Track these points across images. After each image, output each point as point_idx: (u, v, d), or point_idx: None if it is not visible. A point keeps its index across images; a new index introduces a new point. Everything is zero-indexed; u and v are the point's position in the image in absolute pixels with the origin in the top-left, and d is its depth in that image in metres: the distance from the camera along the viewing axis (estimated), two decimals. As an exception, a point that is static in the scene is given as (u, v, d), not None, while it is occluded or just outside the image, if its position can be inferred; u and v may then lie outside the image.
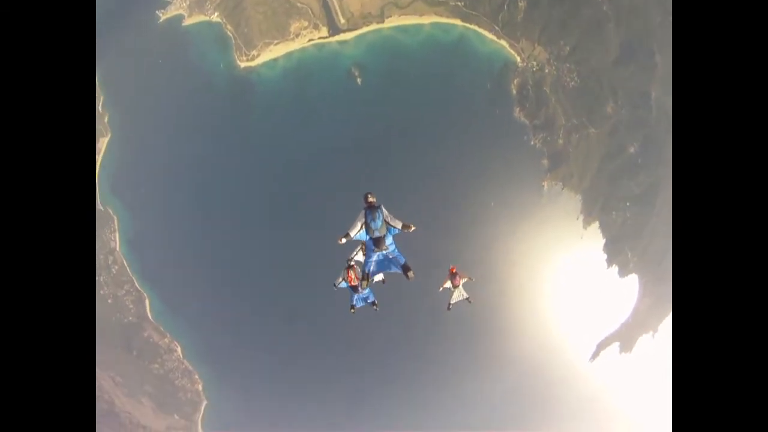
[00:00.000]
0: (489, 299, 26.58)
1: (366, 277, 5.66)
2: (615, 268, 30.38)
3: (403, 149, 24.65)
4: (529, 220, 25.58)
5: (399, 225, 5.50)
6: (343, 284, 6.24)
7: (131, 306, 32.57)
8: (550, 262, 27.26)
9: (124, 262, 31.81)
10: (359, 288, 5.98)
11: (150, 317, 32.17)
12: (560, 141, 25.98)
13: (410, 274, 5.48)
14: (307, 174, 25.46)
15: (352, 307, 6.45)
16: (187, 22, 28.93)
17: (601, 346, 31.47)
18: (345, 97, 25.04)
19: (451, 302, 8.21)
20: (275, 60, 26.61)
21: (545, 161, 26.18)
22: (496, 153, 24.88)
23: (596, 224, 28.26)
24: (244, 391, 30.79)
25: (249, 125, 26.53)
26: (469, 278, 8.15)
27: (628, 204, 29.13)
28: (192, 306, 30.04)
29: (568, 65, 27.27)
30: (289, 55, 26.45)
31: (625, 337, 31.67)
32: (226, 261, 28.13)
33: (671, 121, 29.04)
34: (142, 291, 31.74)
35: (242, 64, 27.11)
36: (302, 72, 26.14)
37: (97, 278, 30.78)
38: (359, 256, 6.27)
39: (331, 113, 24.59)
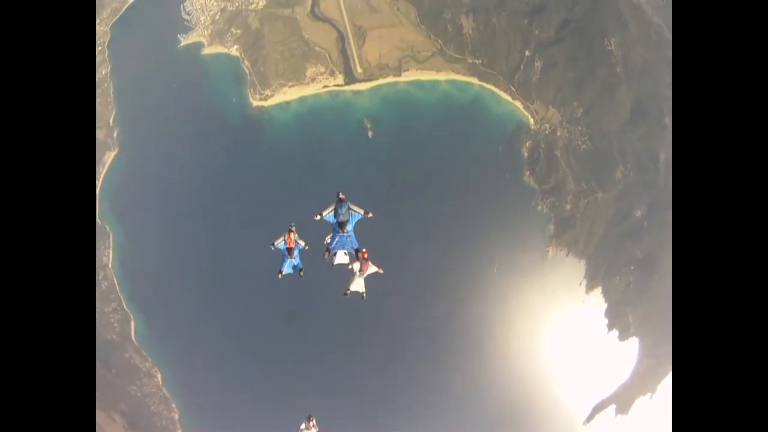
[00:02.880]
0: (486, 359, 26.24)
1: (327, 249, 7.38)
2: (615, 333, 29.97)
3: (408, 207, 24.28)
4: (532, 285, 25.09)
5: (361, 211, 7.30)
6: (281, 245, 7.56)
7: (116, 324, 31.66)
8: (550, 327, 26.55)
9: (114, 280, 31.11)
10: (293, 253, 7.51)
11: (134, 340, 31.31)
12: (568, 206, 25.78)
13: (359, 255, 7.26)
14: (308, 222, 24.69)
15: (280, 272, 7.74)
16: (206, 50, 29.17)
17: (597, 409, 30.76)
18: (354, 149, 24.89)
19: (350, 289, 8.08)
20: (288, 103, 26.58)
21: (551, 226, 25.91)
22: (503, 216, 24.60)
23: (599, 289, 28.05)
24: (223, 427, 29.71)
25: (255, 166, 26.31)
26: (379, 270, 7.89)
27: (632, 268, 28.86)
28: (178, 336, 29.18)
29: (580, 128, 27.32)
30: (302, 99, 26.46)
31: (622, 399, 30.93)
32: (218, 299, 27.45)
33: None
34: (129, 312, 30.97)
35: (255, 103, 27.05)
36: (314, 119, 26.07)
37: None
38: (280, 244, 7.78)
39: (338, 164, 24.33)
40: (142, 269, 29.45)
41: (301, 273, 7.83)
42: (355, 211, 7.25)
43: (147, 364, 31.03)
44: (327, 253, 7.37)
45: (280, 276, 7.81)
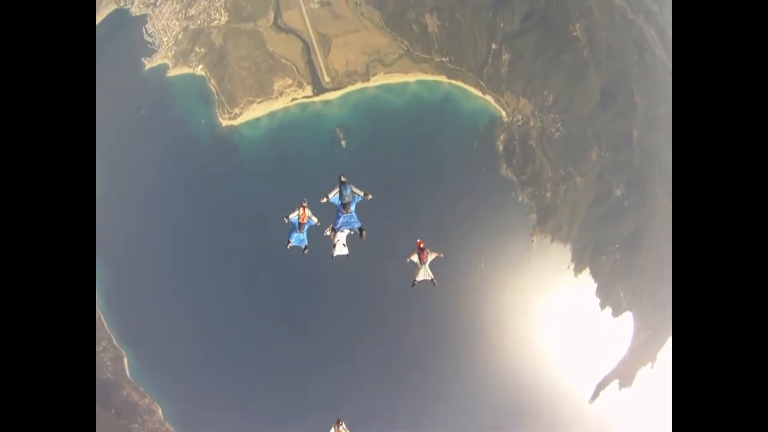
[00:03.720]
0: (482, 354, 26.29)
1: (333, 229, 8.04)
2: (608, 310, 30.55)
3: (388, 214, 23.37)
4: (520, 275, 25.20)
5: (361, 193, 7.92)
6: (295, 219, 8.16)
7: (109, 363, 30.77)
8: (544, 314, 26.75)
9: (102, 318, 30.22)
10: (303, 228, 8.09)
11: (129, 376, 30.48)
12: (548, 194, 25.98)
13: (364, 234, 7.83)
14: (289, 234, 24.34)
15: (288, 242, 8.31)
16: (172, 72, 28.49)
17: (601, 386, 31.33)
18: (329, 160, 24.44)
19: (417, 279, 8.26)
20: (258, 119, 26.09)
21: (534, 216, 26.04)
22: (485, 212, 24.56)
23: (587, 270, 28.45)
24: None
25: (231, 186, 25.75)
26: (439, 255, 8.16)
27: (617, 246, 29.46)
28: (173, 368, 28.49)
29: (552, 116, 27.61)
30: (272, 114, 25.98)
31: (624, 373, 31.57)
32: (207, 322, 26.86)
33: (653, 159, 29.89)
34: (120, 348, 30.11)
35: (224, 122, 26.53)
36: (285, 133, 25.61)
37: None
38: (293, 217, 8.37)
39: (314, 177, 23.47)
40: (128, 303, 28.69)
41: (305, 250, 8.34)
42: (356, 193, 7.88)
43: (146, 400, 30.27)
44: (332, 232, 8.01)
45: (288, 247, 8.35)
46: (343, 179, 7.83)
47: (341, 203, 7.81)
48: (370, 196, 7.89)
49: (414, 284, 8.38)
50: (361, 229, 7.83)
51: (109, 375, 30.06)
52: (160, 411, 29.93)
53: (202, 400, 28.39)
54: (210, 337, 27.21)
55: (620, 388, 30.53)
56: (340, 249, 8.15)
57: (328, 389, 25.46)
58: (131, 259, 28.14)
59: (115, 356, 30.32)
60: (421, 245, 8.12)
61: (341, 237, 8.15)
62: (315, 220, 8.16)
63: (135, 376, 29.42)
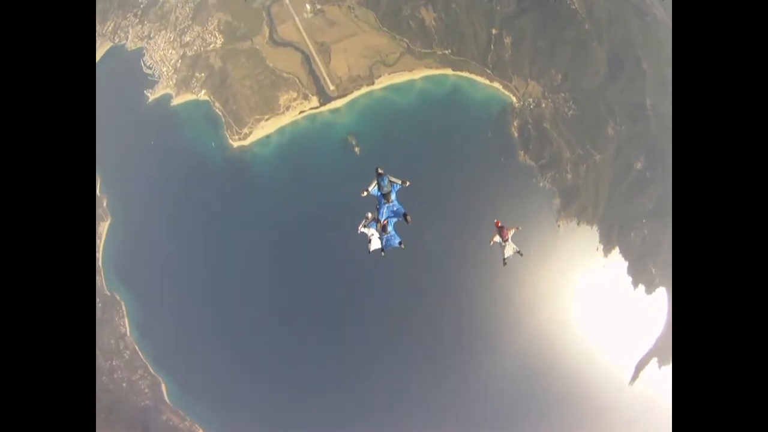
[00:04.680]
0: (519, 342, 25.89)
1: (379, 222, 7.96)
2: (641, 288, 29.70)
3: (411, 214, 23.22)
4: (549, 262, 24.59)
5: (399, 181, 8.08)
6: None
7: (147, 390, 31.35)
8: (576, 299, 26.09)
9: (136, 347, 30.79)
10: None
11: (168, 401, 31.06)
12: (569, 176, 25.37)
13: (408, 218, 7.94)
14: (312, 253, 24.73)
15: (378, 221, 8.18)
16: (176, 101, 28.74)
17: (640, 366, 30.54)
18: (344, 169, 24.24)
19: (505, 257, 8.84)
20: (268, 137, 26.09)
21: (557, 200, 25.44)
22: (507, 202, 24.10)
23: (616, 250, 27.58)
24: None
25: (247, 205, 25.82)
26: (516, 228, 8.74)
27: (644, 221, 28.54)
28: (211, 389, 28.88)
29: (563, 94, 26.87)
30: (281, 130, 25.94)
31: (662, 350, 30.69)
32: (237, 340, 27.09)
33: (669, 125, 28.84)
34: (156, 375, 30.67)
35: (235, 144, 26.60)
36: (297, 147, 25.52)
37: (109, 362, 29.83)
38: (365, 230, 8.35)
39: (331, 188, 23.66)
40: (160, 329, 29.16)
41: (401, 245, 8.17)
42: (394, 182, 7.97)
43: (186, 423, 30.81)
44: (379, 224, 7.95)
45: (383, 254, 8.13)
46: (380, 171, 7.90)
47: (381, 194, 7.94)
48: (407, 183, 8.02)
49: (504, 262, 8.88)
50: (405, 215, 7.91)
51: (148, 401, 30.65)
52: (201, 432, 30.53)
53: (241, 417, 28.72)
54: (241, 354, 27.42)
55: (660, 366, 29.72)
56: (375, 243, 8.17)
57: (368, 397, 25.39)
58: (158, 287, 28.52)
59: (152, 383, 30.85)
60: (499, 224, 8.51)
61: (376, 232, 8.11)
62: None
63: (174, 401, 29.95)
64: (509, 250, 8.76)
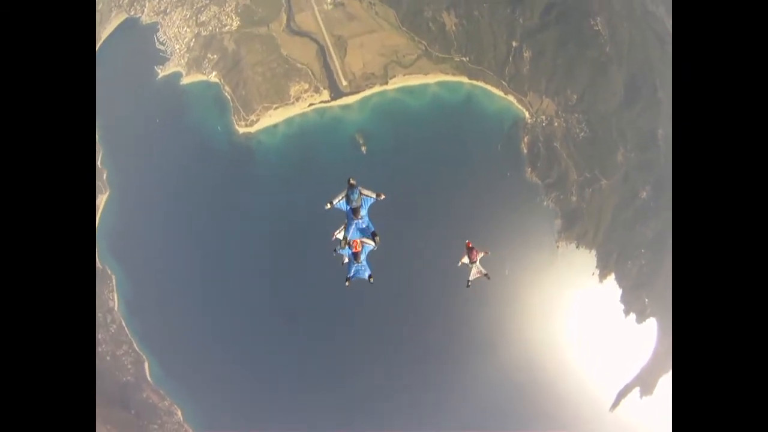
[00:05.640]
0: (504, 358, 25.83)
1: (345, 239, 7.05)
2: (632, 316, 29.68)
3: (411, 220, 23.39)
4: (544, 282, 24.63)
5: (373, 194, 6.99)
6: (346, 251, 7.28)
7: (130, 366, 31.28)
8: (567, 320, 26.05)
9: (123, 323, 30.69)
10: (360, 257, 7.07)
11: (149, 380, 31.03)
12: (573, 198, 25.20)
13: (377, 239, 7.03)
14: (309, 244, 24.09)
15: (347, 279, 7.43)
16: (185, 80, 28.31)
17: (622, 394, 30.67)
18: (349, 167, 23.70)
19: (470, 279, 8.48)
20: (275, 126, 25.77)
21: (559, 221, 25.36)
22: (509, 218, 24.01)
23: (612, 276, 27.35)
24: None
25: (248, 193, 25.50)
26: (486, 252, 8.38)
27: (643, 251, 28.45)
28: (193, 372, 28.82)
29: (576, 115, 26.58)
30: (289, 120, 25.63)
31: (646, 380, 30.82)
32: (228, 329, 26.97)
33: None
34: (141, 353, 30.60)
35: (241, 130, 26.25)
36: (304, 140, 25.24)
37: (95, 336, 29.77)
38: (340, 235, 7.42)
39: (334, 185, 22.99)
40: (149, 307, 29.02)
41: (370, 279, 7.31)
42: (367, 195, 6.93)
43: (166, 402, 30.77)
44: (344, 242, 7.00)
45: (347, 284, 7.29)
46: (351, 182, 6.88)
47: (350, 208, 6.88)
48: (382, 197, 6.97)
49: (468, 284, 8.46)
50: (374, 234, 6.95)
51: (129, 378, 30.59)
52: (179, 413, 30.42)
53: (222, 403, 28.73)
54: (229, 342, 27.32)
55: (641, 396, 29.85)
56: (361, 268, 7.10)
57: (347, 395, 25.42)
58: (151, 266, 28.34)
59: (135, 360, 30.78)
60: (470, 245, 8.06)
61: (346, 257, 7.21)
62: (372, 244, 7.05)
63: (156, 380, 29.93)
64: (476, 272, 8.35)
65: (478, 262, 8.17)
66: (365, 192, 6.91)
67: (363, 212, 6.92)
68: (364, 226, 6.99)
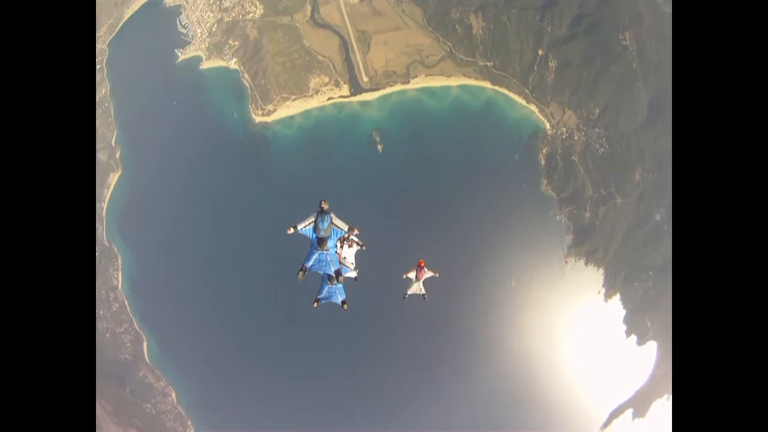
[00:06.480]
0: (503, 369, 25.80)
1: (303, 269, 6.05)
2: (633, 338, 29.40)
3: (422, 222, 23.41)
4: (550, 296, 24.40)
5: (345, 227, 6.09)
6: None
7: (129, 345, 31.61)
8: (568, 337, 25.83)
9: (125, 302, 30.93)
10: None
11: (147, 360, 31.34)
12: (587, 215, 24.84)
13: (340, 278, 6.15)
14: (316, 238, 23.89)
15: (316, 300, 6.60)
16: (205, 65, 28.25)
17: (614, 414, 30.53)
18: (364, 165, 23.85)
19: (408, 293, 8.55)
20: (292, 117, 25.58)
21: (570, 236, 25.03)
22: (521, 229, 23.76)
23: (617, 296, 27.07)
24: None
25: (261, 184, 25.41)
26: (435, 273, 8.39)
27: (650, 273, 28.06)
28: (192, 355, 29.04)
29: (597, 130, 26.07)
30: (307, 113, 25.43)
31: (640, 402, 30.64)
32: (231, 316, 27.05)
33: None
34: (141, 332, 30.89)
35: (257, 119, 26.11)
36: (320, 134, 25.05)
37: (97, 312, 30.11)
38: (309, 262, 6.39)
39: (348, 182, 23.29)
40: (152, 289, 29.14)
41: (344, 306, 6.57)
42: (338, 227, 5.95)
43: (161, 383, 31.06)
44: (302, 274, 6.00)
45: (316, 305, 6.48)
46: (324, 206, 5.89)
47: (316, 237, 5.86)
48: (356, 232, 6.08)
49: (405, 297, 8.52)
50: (338, 273, 5.92)
51: (127, 356, 30.90)
52: (174, 395, 30.72)
53: (216, 387, 28.95)
54: (230, 331, 27.40)
55: (633, 417, 29.69)
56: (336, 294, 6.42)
57: (342, 384, 25.39)
58: (159, 246, 28.46)
59: (135, 339, 31.07)
60: (422, 264, 8.19)
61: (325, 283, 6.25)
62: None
63: (153, 360, 30.21)
64: (416, 288, 8.24)
65: (422, 281, 8.11)
66: (337, 222, 5.94)
67: (330, 244, 5.91)
68: (328, 259, 5.92)
